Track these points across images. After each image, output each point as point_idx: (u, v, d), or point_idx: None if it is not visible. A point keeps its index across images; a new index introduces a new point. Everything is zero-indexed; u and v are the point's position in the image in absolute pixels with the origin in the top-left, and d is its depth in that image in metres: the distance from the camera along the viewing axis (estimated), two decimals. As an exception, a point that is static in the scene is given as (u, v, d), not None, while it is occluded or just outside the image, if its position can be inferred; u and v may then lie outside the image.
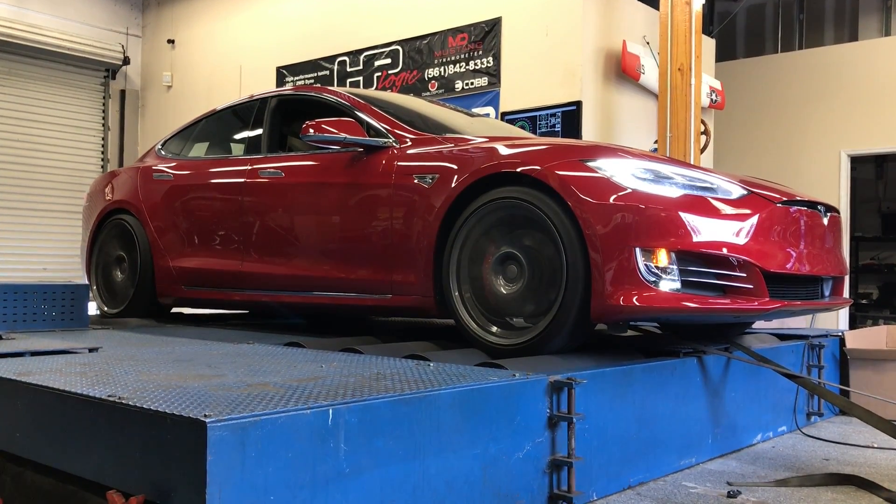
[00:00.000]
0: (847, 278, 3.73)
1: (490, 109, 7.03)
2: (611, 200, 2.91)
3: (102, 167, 10.72)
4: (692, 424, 3.34)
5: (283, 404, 1.87)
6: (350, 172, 3.74)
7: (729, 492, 2.88)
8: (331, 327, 4.29)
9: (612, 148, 3.18)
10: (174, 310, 5.15)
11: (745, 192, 3.05)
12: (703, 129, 6.06)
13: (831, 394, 3.23)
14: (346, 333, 4.00)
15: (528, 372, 2.69)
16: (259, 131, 4.46)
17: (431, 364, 2.74)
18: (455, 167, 3.34)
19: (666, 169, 3.02)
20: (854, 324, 9.96)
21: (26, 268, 9.95)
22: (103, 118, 10.82)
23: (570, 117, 6.41)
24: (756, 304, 2.92)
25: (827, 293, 3.47)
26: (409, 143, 3.63)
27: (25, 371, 2.39)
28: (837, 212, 3.56)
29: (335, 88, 4.26)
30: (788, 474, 3.22)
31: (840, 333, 4.74)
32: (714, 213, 2.94)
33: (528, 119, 6.68)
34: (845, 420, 4.42)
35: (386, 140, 3.69)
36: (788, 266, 3.05)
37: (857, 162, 9.57)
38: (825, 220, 3.35)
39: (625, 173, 2.96)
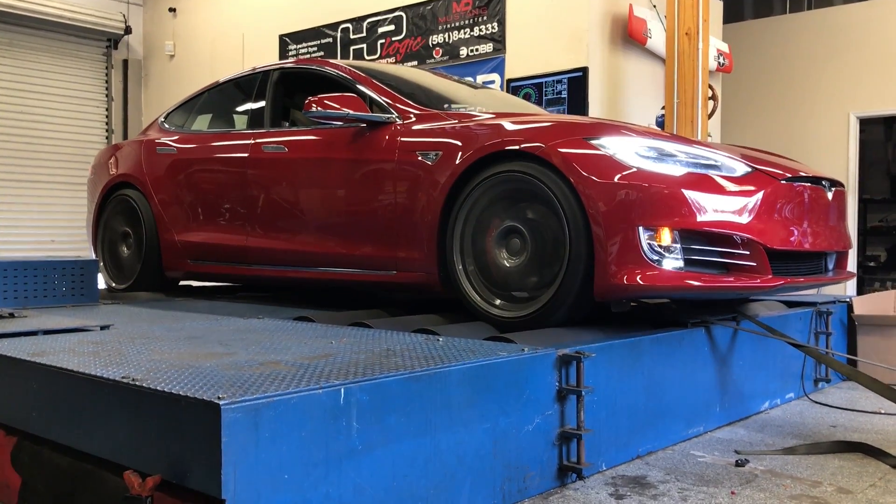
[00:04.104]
0: (853, 246, 3.71)
1: (495, 76, 6.96)
2: (614, 179, 2.90)
3: (107, 138, 10.69)
4: (700, 393, 3.36)
5: (296, 384, 1.89)
6: (353, 148, 3.72)
7: (737, 461, 2.91)
8: (339, 300, 4.30)
9: (616, 125, 3.16)
10: (183, 282, 5.17)
11: (749, 170, 3.03)
12: (710, 94, 6.00)
13: (837, 363, 3.25)
14: (354, 306, 4.01)
15: (537, 346, 2.71)
16: (261, 104, 4.43)
17: (440, 339, 2.75)
18: (459, 144, 3.32)
19: (669, 146, 3.01)
20: (861, 286, 9.95)
21: (34, 240, 9.99)
22: (106, 88, 10.76)
23: (577, 84, 6.35)
24: (759, 281, 2.92)
25: (830, 267, 3.47)
26: (413, 119, 3.61)
27: (39, 351, 2.41)
28: (842, 186, 3.54)
29: (337, 61, 4.23)
30: (796, 442, 3.25)
31: (848, 300, 4.74)
32: (718, 190, 2.93)
33: (534, 86, 6.63)
34: (853, 386, 4.43)
35: (389, 116, 3.67)
36: (792, 243, 3.05)
37: (865, 124, 9.48)
38: (829, 195, 3.33)
39: (628, 151, 2.95)
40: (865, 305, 4.85)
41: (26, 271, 3.95)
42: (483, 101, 4.20)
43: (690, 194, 2.87)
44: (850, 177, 8.83)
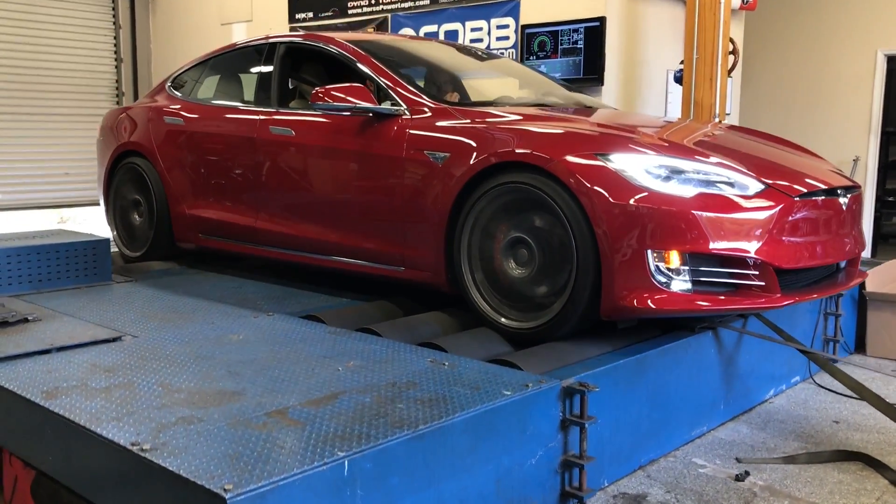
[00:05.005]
0: (864, 241, 3.64)
1: (510, 20, 6.74)
2: (623, 199, 2.85)
3: (116, 67, 10.55)
4: (705, 395, 3.39)
5: (300, 457, 1.93)
6: (360, 139, 3.65)
7: (737, 475, 2.96)
8: (348, 280, 4.30)
9: (626, 139, 3.09)
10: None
11: (763, 187, 2.96)
12: (731, 48, 5.79)
13: (842, 373, 3.26)
14: (362, 288, 4.04)
15: (541, 368, 2.74)
16: (269, 78, 4.33)
17: (446, 363, 2.77)
18: (468, 147, 3.26)
19: (681, 164, 2.93)
20: (879, 222, 9.81)
21: (47, 173, 9.99)
22: (114, 15, 10.54)
23: (594, 34, 6.14)
24: (765, 301, 2.89)
25: (842, 266, 3.43)
26: (426, 114, 3.51)
27: (52, 388, 2.45)
28: (858, 188, 3.45)
29: (342, 40, 4.06)
30: (798, 443, 3.30)
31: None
32: (729, 211, 2.86)
33: (550, 34, 6.41)
34: (858, 363, 4.47)
35: (398, 108, 3.58)
36: (803, 261, 3.00)
37: (893, 60, 9.14)
38: (844, 204, 3.25)
39: (639, 169, 2.89)
40: (879, 277, 4.82)
41: (38, 256, 3.99)
42: (493, 69, 4.08)
43: (701, 216, 2.82)
44: (873, 117, 8.58)
